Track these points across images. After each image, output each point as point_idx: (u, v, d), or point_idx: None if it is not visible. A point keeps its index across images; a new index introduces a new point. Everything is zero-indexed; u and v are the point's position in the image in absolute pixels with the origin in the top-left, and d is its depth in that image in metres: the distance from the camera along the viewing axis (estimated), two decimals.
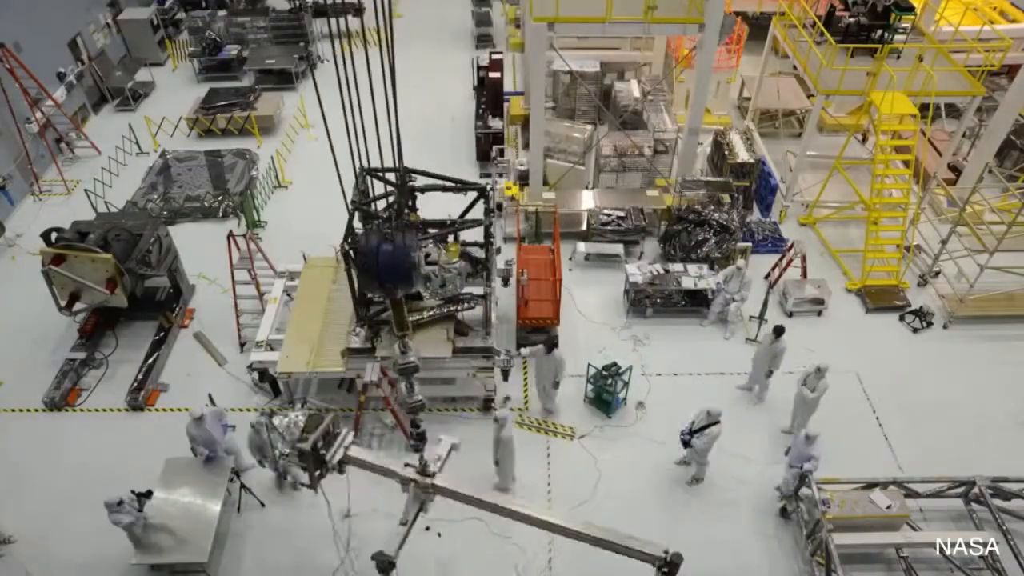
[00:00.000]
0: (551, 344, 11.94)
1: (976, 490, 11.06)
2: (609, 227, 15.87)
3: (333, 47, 6.50)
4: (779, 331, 12.22)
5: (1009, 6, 20.09)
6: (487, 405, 12.74)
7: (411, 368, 8.92)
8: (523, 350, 12.48)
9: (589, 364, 12.70)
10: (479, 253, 12.88)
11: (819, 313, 14.76)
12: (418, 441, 9.56)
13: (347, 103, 6.80)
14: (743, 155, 16.53)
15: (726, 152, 16.70)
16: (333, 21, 7.47)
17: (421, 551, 10.76)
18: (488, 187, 12.50)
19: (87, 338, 13.79)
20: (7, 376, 13.52)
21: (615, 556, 10.75)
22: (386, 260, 7.36)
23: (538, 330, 13.62)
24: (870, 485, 10.95)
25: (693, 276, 14.41)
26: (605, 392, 12.64)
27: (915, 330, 14.52)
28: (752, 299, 14.15)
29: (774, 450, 12.23)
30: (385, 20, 6.38)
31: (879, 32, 16.01)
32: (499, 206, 15.85)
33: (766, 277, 15.29)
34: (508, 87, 20.18)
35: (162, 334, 13.96)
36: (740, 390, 13.25)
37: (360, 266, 7.44)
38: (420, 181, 11.96)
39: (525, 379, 13.49)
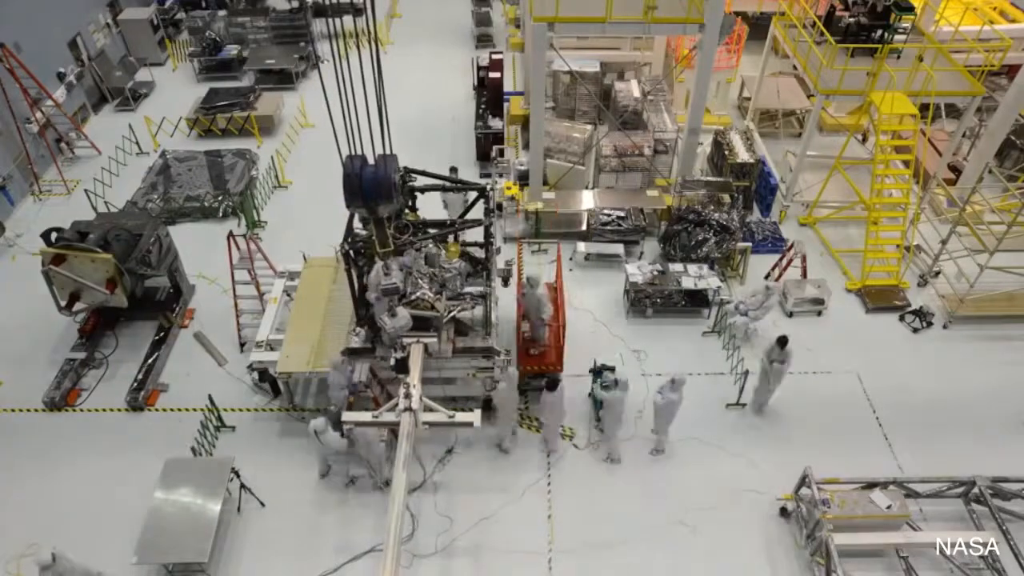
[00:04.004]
0: (553, 383, 11.28)
1: (976, 490, 11.06)
2: (609, 227, 15.87)
3: (332, 47, 6.53)
4: (783, 341, 11.78)
5: (1009, 6, 20.09)
6: (487, 405, 12.72)
7: (393, 289, 9.23)
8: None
9: (595, 360, 12.61)
10: (479, 253, 12.88)
11: (819, 313, 14.75)
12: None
13: (341, 101, 6.85)
14: (743, 155, 16.52)
15: (726, 152, 16.69)
16: (331, 21, 7.55)
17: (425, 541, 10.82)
18: (488, 187, 12.50)
19: (87, 338, 13.79)
20: (7, 376, 13.51)
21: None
22: (369, 178, 8.29)
23: (540, 376, 12.70)
24: (870, 485, 10.96)
25: (693, 276, 14.40)
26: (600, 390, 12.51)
27: (915, 330, 14.52)
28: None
29: (776, 453, 12.22)
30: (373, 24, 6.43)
31: (879, 32, 16.01)
32: (499, 206, 15.84)
33: (766, 277, 15.28)
34: (508, 87, 20.17)
35: (162, 334, 13.96)
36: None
37: (345, 186, 8.47)
38: (420, 181, 11.96)
39: None
